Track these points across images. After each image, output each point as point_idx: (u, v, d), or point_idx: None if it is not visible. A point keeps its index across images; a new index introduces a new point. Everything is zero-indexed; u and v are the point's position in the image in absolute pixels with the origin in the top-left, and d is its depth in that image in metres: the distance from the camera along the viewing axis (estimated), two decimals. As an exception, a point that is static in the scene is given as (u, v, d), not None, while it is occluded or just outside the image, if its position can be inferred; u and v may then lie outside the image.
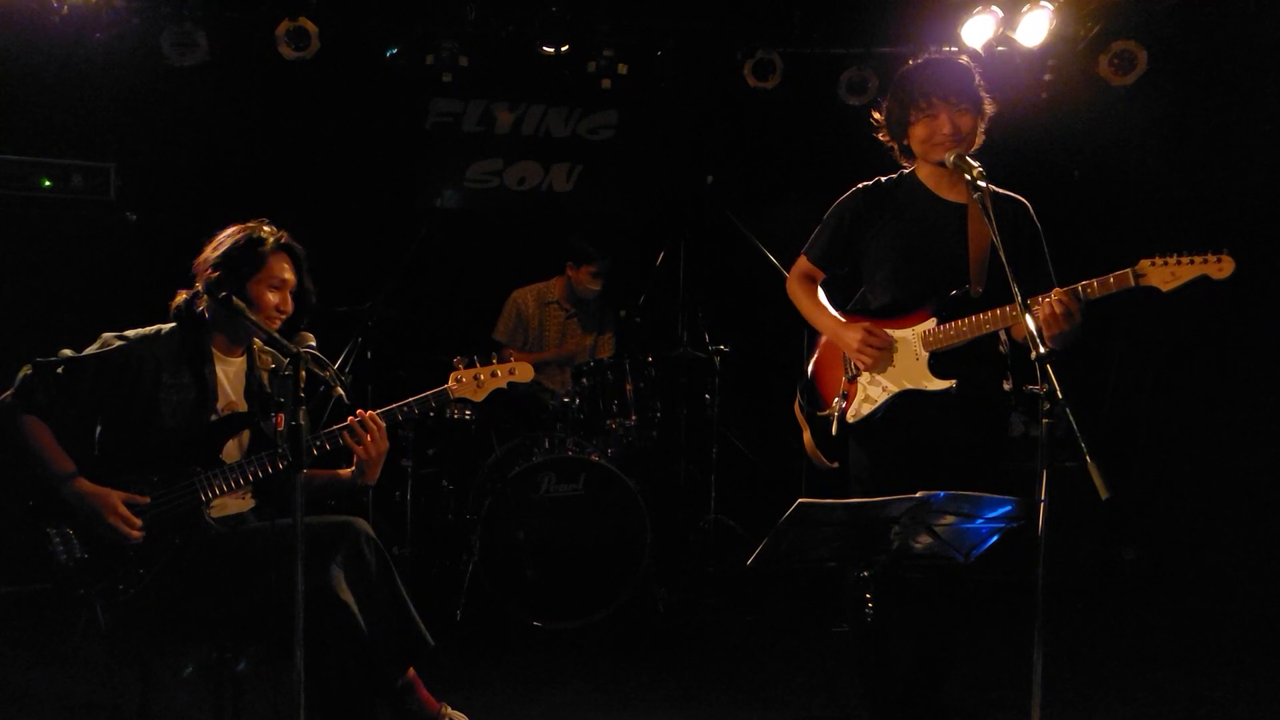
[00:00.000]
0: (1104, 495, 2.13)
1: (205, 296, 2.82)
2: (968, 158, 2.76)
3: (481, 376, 2.96)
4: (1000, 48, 5.24)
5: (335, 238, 4.79)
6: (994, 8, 5.08)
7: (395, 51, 5.44)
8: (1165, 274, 2.55)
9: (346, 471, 2.96)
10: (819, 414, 3.07)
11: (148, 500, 2.71)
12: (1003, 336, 2.90)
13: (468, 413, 4.74)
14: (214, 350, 2.92)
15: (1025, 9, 5.07)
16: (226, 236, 2.93)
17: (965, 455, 2.87)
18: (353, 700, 2.71)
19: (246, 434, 2.92)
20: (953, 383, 2.83)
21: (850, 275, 3.14)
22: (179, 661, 2.94)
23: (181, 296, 2.88)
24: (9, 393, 2.73)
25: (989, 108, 2.95)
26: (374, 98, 5.73)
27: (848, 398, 2.99)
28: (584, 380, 4.76)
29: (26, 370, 2.73)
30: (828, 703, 3.59)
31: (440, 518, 5.03)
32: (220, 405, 2.90)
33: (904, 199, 3.00)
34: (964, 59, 2.99)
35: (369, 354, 4.82)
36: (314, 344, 2.54)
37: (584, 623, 4.31)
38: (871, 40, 5.58)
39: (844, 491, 2.89)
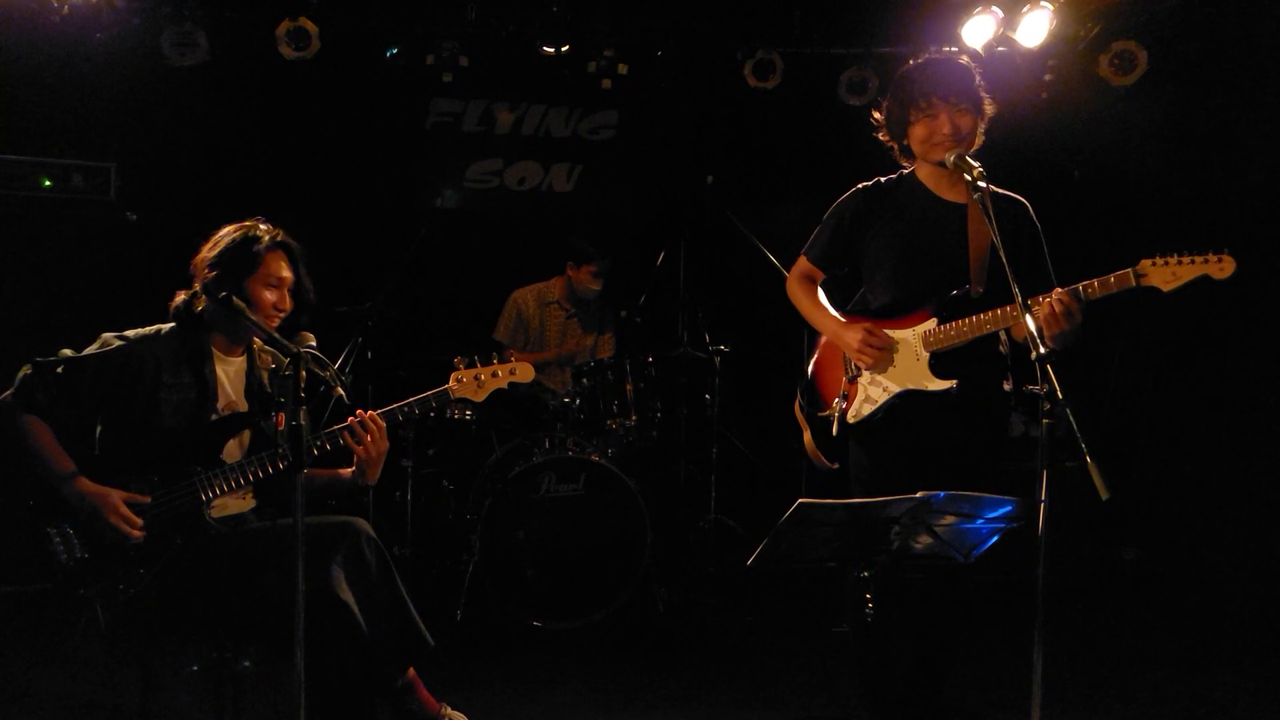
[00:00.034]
0: (1104, 495, 2.13)
1: (204, 296, 2.82)
2: (968, 158, 2.76)
3: (482, 376, 2.96)
4: (1000, 48, 5.24)
5: (335, 238, 4.81)
6: (994, 8, 5.08)
7: (395, 51, 5.45)
8: (1166, 274, 2.55)
9: (347, 471, 2.96)
10: (819, 414, 3.07)
11: (148, 499, 2.71)
12: (1003, 337, 2.90)
13: (468, 413, 4.74)
14: (214, 350, 2.92)
15: (1025, 9, 5.07)
16: (223, 236, 2.93)
17: (965, 455, 2.87)
18: (353, 700, 2.70)
19: (247, 434, 2.92)
20: (954, 383, 2.83)
21: (850, 275, 3.14)
22: (179, 661, 2.94)
23: (180, 297, 2.87)
24: (9, 393, 2.73)
25: (989, 108, 2.95)
26: (374, 98, 5.73)
27: (848, 398, 2.99)
28: (584, 380, 4.76)
29: (26, 370, 2.73)
30: (828, 703, 3.59)
31: (440, 518, 5.03)
32: (221, 405, 2.90)
33: (904, 199, 3.00)
34: (964, 59, 2.99)
35: (369, 354, 4.82)
36: (314, 344, 2.54)
37: (584, 623, 4.31)
38: (872, 40, 5.58)
39: (844, 492, 2.88)
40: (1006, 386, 2.96)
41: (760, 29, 5.57)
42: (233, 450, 2.89)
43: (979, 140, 2.94)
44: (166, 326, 2.90)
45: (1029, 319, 2.38)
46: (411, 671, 2.92)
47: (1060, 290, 2.64)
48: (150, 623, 2.69)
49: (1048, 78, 5.47)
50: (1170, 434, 5.61)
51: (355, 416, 2.84)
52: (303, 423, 2.33)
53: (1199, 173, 5.38)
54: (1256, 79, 5.12)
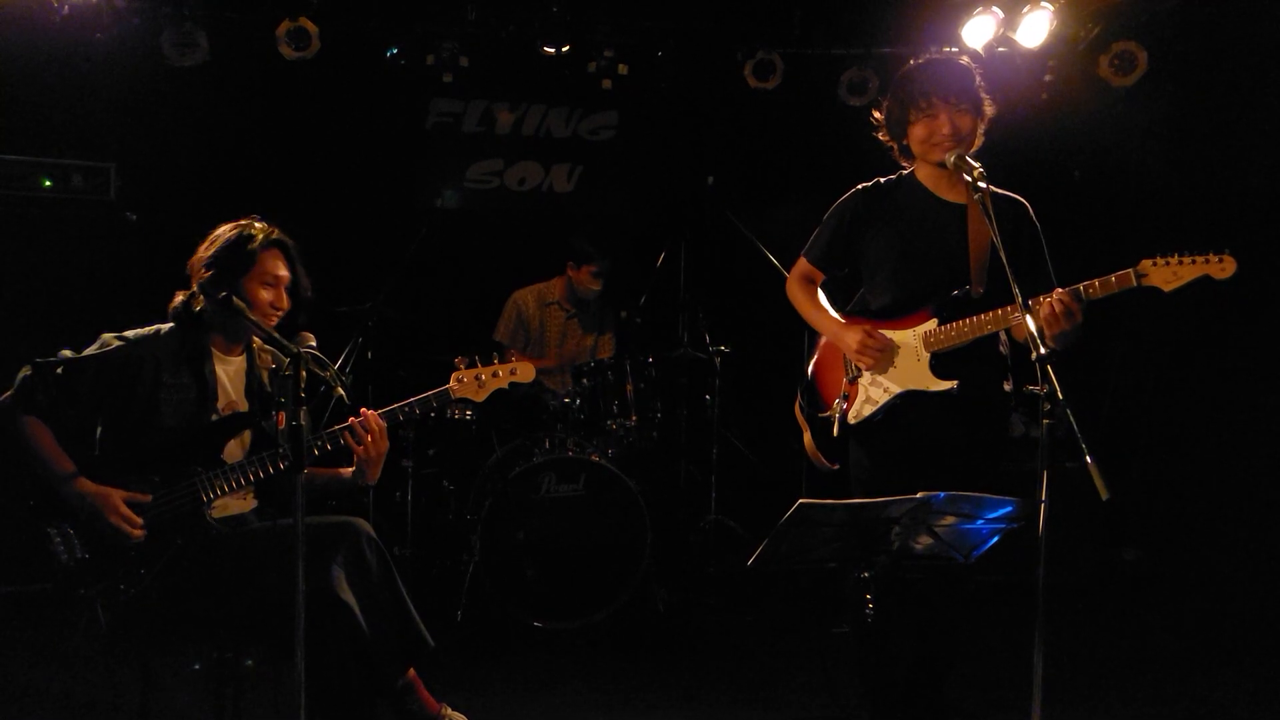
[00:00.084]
0: (1104, 496, 2.13)
1: (202, 296, 2.82)
2: (968, 158, 2.76)
3: (483, 376, 2.96)
4: (1000, 48, 5.24)
5: (335, 238, 4.81)
6: (994, 8, 5.08)
7: (395, 51, 5.44)
8: (1167, 274, 2.55)
9: (347, 471, 2.96)
10: (820, 415, 3.07)
11: (149, 499, 2.71)
12: (1003, 337, 2.90)
13: (468, 413, 4.74)
14: (213, 350, 2.92)
15: (1026, 10, 5.07)
16: (218, 235, 2.93)
17: (966, 456, 2.87)
18: (353, 700, 2.70)
19: (248, 434, 2.93)
20: (954, 383, 2.83)
21: (850, 276, 3.14)
22: (179, 661, 2.94)
23: (179, 297, 2.87)
24: (9, 393, 2.73)
25: (989, 109, 2.95)
26: (374, 98, 5.73)
27: (848, 399, 2.99)
28: (584, 381, 4.76)
29: (26, 371, 2.73)
30: (828, 703, 3.59)
31: (441, 518, 5.03)
32: (221, 405, 2.90)
33: (904, 200, 3.00)
34: (964, 59, 2.99)
35: (369, 354, 4.82)
36: (314, 344, 2.55)
37: (584, 623, 4.31)
38: (872, 41, 5.58)
39: (844, 492, 2.88)
40: (1007, 387, 2.97)
41: (760, 29, 5.57)
42: (234, 450, 2.89)
43: (979, 141, 2.94)
44: (166, 327, 2.90)
45: (1029, 319, 2.38)
46: (412, 672, 2.92)
47: (1061, 290, 2.64)
48: (150, 623, 2.69)
49: (1048, 78, 5.47)
50: (1170, 434, 5.61)
51: (356, 416, 2.84)
52: (303, 423, 2.33)
53: (1199, 173, 5.38)
54: (1256, 79, 5.12)
